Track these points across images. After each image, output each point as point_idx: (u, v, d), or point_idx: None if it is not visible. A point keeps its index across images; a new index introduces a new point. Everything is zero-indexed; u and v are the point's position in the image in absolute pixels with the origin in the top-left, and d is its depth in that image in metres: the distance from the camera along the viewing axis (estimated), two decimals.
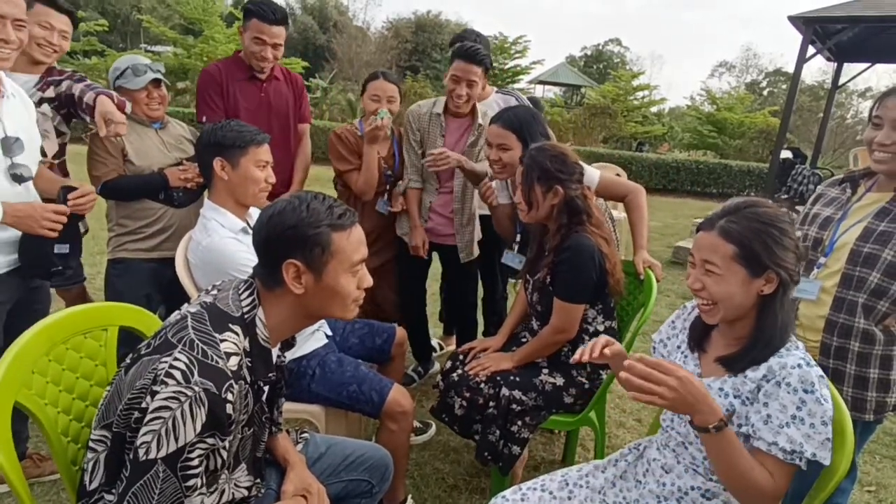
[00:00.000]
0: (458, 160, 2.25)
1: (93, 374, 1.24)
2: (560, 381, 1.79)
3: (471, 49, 2.28)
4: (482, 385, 1.76)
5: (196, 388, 0.90)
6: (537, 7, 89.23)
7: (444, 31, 34.90)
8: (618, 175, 4.96)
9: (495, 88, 2.84)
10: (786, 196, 6.26)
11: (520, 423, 1.73)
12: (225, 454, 0.99)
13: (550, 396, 1.77)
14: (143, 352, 1.00)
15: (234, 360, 0.98)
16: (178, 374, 0.91)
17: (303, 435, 1.42)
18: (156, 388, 0.90)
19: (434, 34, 33.70)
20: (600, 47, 41.64)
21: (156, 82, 2.19)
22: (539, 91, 25.12)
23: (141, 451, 0.89)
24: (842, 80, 7.76)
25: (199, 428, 0.90)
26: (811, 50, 5.94)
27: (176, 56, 17.34)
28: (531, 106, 2.96)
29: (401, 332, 2.07)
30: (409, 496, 1.92)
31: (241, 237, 1.66)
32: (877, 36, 6.20)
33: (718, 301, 1.13)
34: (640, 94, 21.35)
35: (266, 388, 1.13)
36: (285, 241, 1.05)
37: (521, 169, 1.79)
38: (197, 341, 0.96)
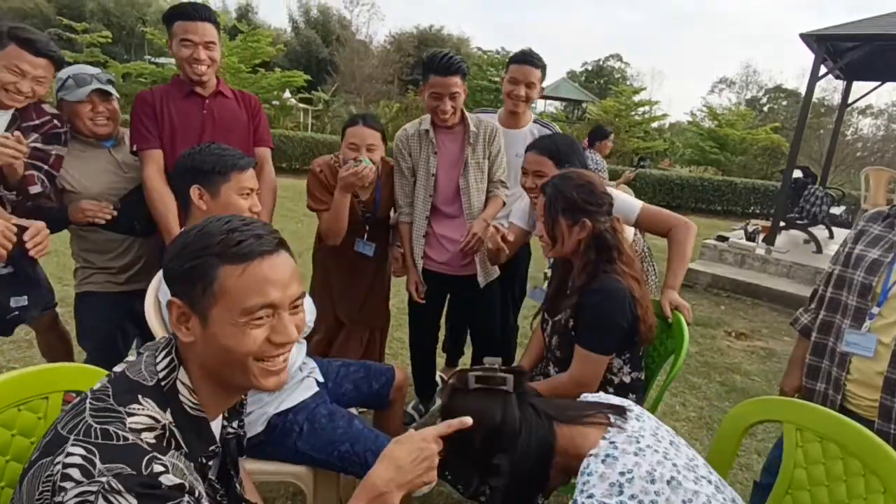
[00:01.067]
0: (498, 236, 1.99)
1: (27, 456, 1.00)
2: None
3: (444, 60, 2.13)
4: None
5: (103, 479, 0.69)
6: (538, 22, 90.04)
7: (446, 46, 35.13)
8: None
9: (533, 116, 2.68)
10: (798, 217, 6.09)
11: None
12: None
13: None
14: (33, 456, 0.78)
15: (147, 435, 0.77)
16: (76, 473, 0.70)
17: None
18: (57, 499, 0.70)
19: (436, 48, 33.84)
20: (601, 62, 41.86)
21: (102, 94, 1.99)
22: (540, 105, 25.15)
23: None
24: (850, 99, 7.63)
25: None
26: (822, 69, 5.82)
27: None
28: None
29: (400, 375, 1.88)
30: None
31: None
32: (887, 54, 6.09)
33: None
34: (641, 109, 21.32)
35: (211, 464, 0.92)
36: (169, 273, 0.86)
37: (542, 200, 1.62)
38: (94, 425, 0.75)
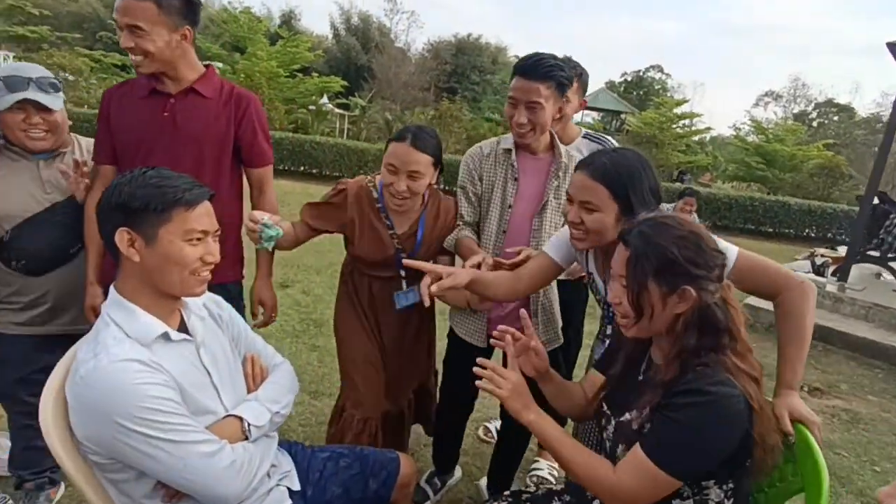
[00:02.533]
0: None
1: None
2: None
3: (531, 62, 1.68)
4: None
5: None
6: (578, 32, 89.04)
7: (483, 54, 34.88)
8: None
9: (583, 130, 2.21)
10: (875, 250, 5.45)
11: None
12: None
13: None
14: None
15: None
16: None
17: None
18: None
19: (474, 56, 33.67)
20: (641, 73, 40.90)
21: (38, 106, 1.63)
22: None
23: None
24: None
25: None
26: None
27: (223, 73, 17.54)
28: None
29: (407, 468, 1.46)
30: None
31: (156, 352, 1.07)
32: None
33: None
34: (682, 122, 20.54)
35: None
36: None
37: (623, 254, 1.16)
38: None
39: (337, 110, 19.34)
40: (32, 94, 1.62)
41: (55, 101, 1.67)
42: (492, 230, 1.84)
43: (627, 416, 1.17)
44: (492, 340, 1.47)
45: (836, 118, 38.11)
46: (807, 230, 11.80)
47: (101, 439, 0.99)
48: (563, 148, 1.83)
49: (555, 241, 1.62)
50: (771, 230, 11.96)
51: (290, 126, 15.82)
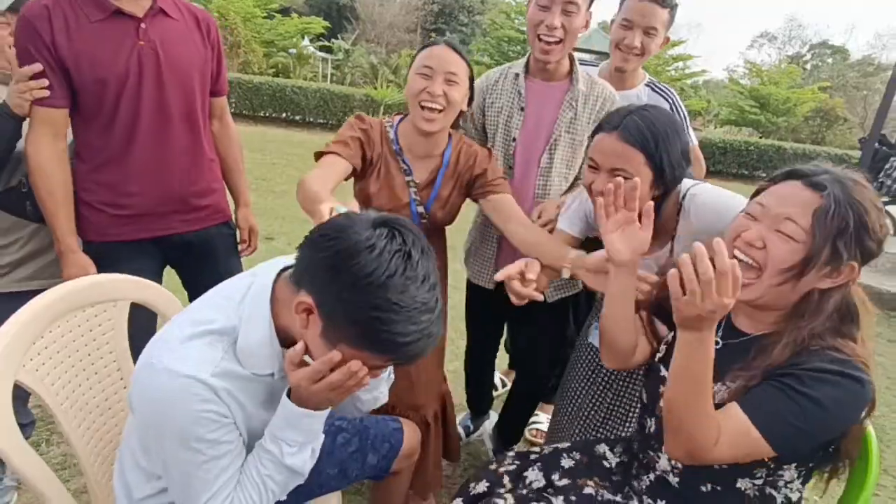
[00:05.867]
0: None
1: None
2: None
3: None
4: None
5: None
6: None
7: None
8: None
9: (647, 77, 1.96)
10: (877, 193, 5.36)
11: None
12: None
13: None
14: None
15: None
16: None
17: None
18: None
19: None
20: None
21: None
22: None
23: None
24: None
25: None
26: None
27: None
28: (684, 114, 2.00)
29: (411, 438, 1.34)
30: None
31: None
32: None
33: None
34: (677, 64, 19.97)
35: None
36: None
37: (809, 197, 0.93)
38: None
39: (319, 54, 18.51)
40: None
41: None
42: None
43: (726, 384, 1.00)
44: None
45: (829, 60, 37.50)
46: None
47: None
48: (581, 73, 1.61)
49: (568, 216, 1.47)
50: (765, 175, 11.83)
51: (269, 71, 15.12)
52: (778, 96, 17.52)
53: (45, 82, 1.33)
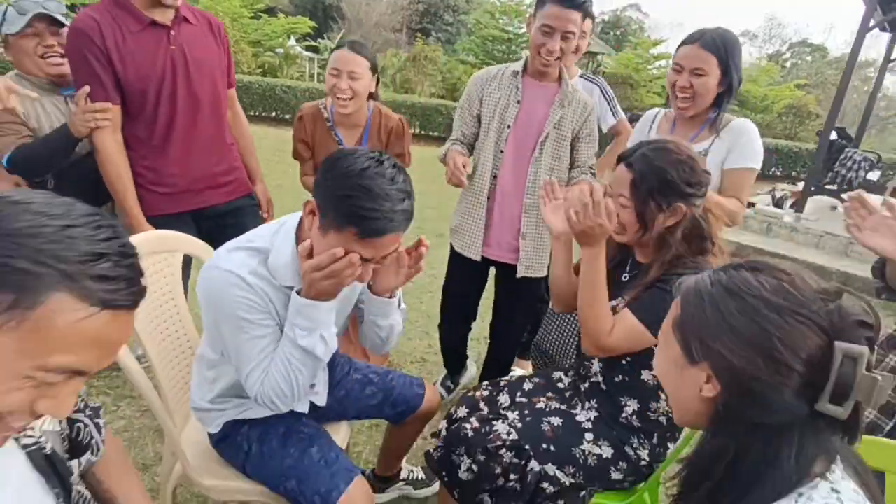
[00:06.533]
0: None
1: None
2: (608, 452, 1.37)
3: None
4: (503, 451, 1.34)
5: None
6: None
7: None
8: None
9: (580, 71, 2.31)
10: (829, 182, 5.74)
11: None
12: None
13: (593, 471, 1.35)
14: None
15: None
16: None
17: None
18: None
19: None
20: (618, 13, 39.98)
21: (52, 22, 1.65)
22: None
23: None
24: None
25: None
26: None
27: None
28: (611, 97, 2.51)
29: (431, 402, 1.59)
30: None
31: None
32: None
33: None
34: (659, 63, 20.41)
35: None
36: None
37: (626, 175, 1.31)
38: None
39: (306, 53, 18.64)
40: (39, 10, 1.65)
41: (65, 19, 1.71)
42: (489, 149, 1.93)
43: (612, 303, 1.37)
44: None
45: (809, 58, 38.22)
46: (773, 169, 12.15)
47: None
48: (569, 80, 1.92)
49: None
50: None
51: (257, 70, 15.26)
52: (756, 94, 17.99)
53: (109, 112, 1.60)
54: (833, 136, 6.14)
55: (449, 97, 15.34)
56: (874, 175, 5.89)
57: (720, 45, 1.64)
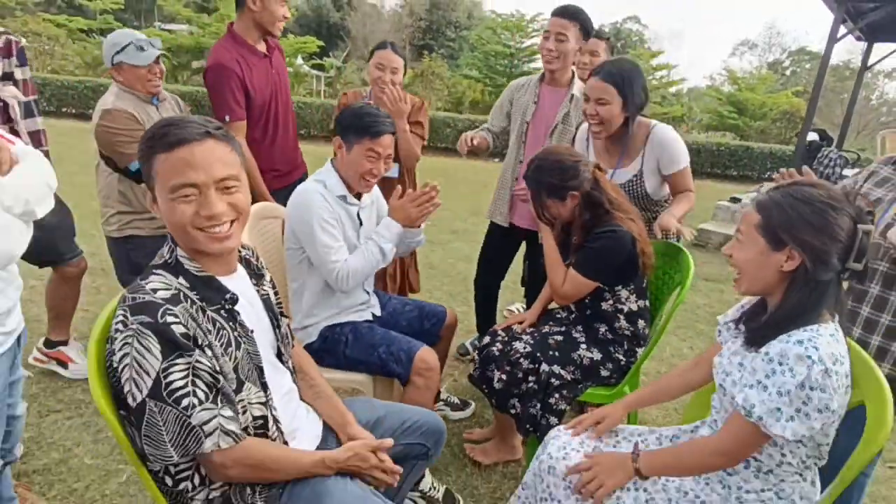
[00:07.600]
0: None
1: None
2: (597, 356, 1.86)
3: (565, 6, 2.30)
4: (522, 360, 1.83)
5: (134, 326, 0.97)
6: None
7: (458, 9, 34.35)
8: None
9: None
10: None
11: (557, 395, 1.80)
12: (209, 369, 1.02)
13: (588, 370, 1.84)
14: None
15: (162, 293, 1.02)
16: (120, 326, 0.98)
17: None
18: (111, 346, 1.00)
19: (448, 12, 33.18)
20: (618, 25, 40.73)
21: (157, 59, 2.22)
22: None
23: (130, 399, 0.97)
24: (871, 61, 7.55)
25: (159, 355, 0.96)
26: (842, 30, 5.79)
27: (192, 35, 17.33)
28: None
29: (451, 316, 2.12)
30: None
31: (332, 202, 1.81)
32: None
33: (740, 268, 1.19)
34: (659, 73, 20.89)
35: (239, 310, 1.14)
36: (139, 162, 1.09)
37: (530, 192, 1.90)
38: (127, 295, 1.02)
39: (313, 71, 19.32)
40: (157, 52, 2.20)
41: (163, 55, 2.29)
42: (515, 139, 2.51)
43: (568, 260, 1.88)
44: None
45: (808, 66, 38.63)
46: (768, 171, 12.57)
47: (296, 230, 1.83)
48: (578, 84, 2.42)
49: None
50: (735, 173, 12.74)
51: None
52: (754, 101, 18.42)
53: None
54: (815, 137, 6.58)
55: (454, 110, 15.91)
56: (850, 172, 6.31)
57: (617, 76, 1.91)
